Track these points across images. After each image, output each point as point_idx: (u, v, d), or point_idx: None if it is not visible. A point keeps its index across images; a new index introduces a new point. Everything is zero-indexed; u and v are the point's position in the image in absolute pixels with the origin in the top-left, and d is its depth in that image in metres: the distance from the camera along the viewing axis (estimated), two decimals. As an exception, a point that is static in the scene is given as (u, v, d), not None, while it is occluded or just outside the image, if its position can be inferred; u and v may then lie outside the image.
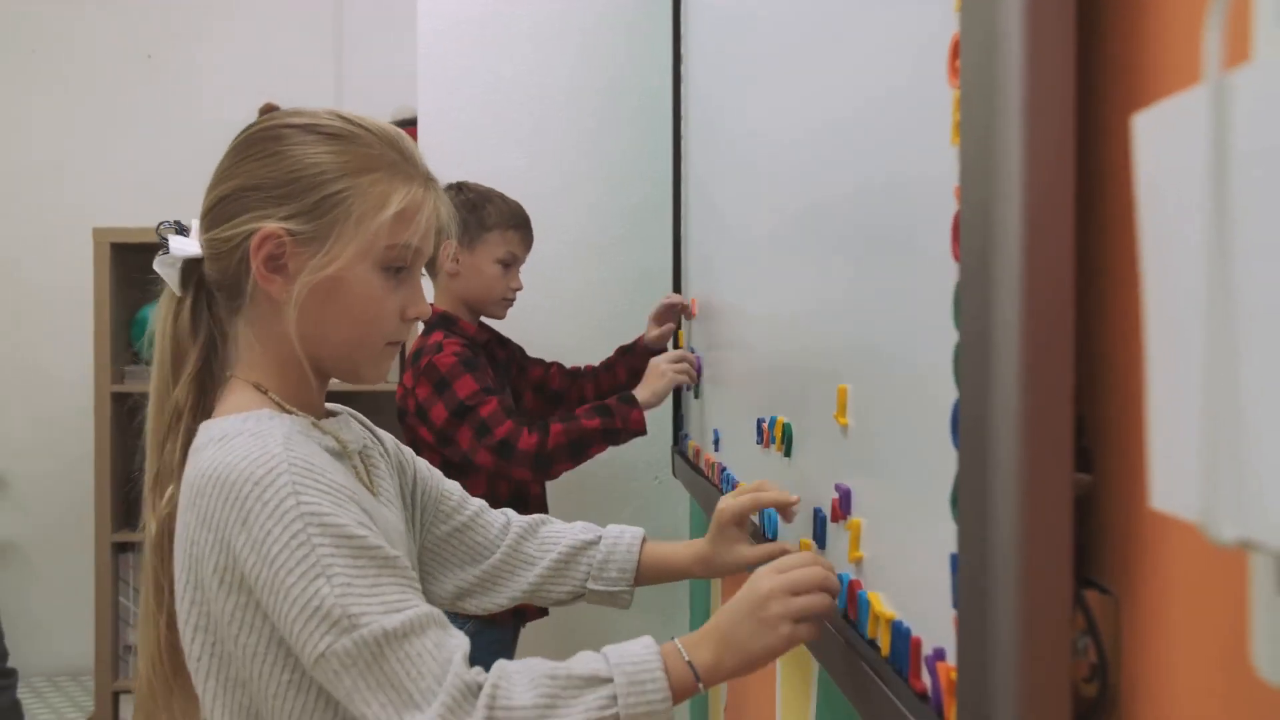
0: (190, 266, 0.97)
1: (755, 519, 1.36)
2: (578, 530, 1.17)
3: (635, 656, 0.85)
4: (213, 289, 0.97)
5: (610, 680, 0.83)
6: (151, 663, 0.95)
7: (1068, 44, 0.58)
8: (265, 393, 0.94)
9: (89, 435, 2.79)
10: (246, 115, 3.09)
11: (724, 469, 1.64)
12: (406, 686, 0.80)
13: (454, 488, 1.17)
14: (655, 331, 2.15)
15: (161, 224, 0.97)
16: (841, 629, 0.94)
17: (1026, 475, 0.58)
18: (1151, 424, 0.47)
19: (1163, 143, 0.44)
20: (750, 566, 1.09)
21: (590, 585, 1.14)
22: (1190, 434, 0.41)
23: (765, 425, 1.31)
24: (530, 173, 2.42)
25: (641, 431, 1.89)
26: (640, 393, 1.91)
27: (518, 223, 2.05)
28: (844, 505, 0.96)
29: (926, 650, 0.75)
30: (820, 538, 1.05)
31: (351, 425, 1.02)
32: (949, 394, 0.72)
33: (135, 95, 3.08)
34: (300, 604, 0.80)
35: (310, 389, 0.97)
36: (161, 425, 0.96)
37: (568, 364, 2.29)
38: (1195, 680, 0.53)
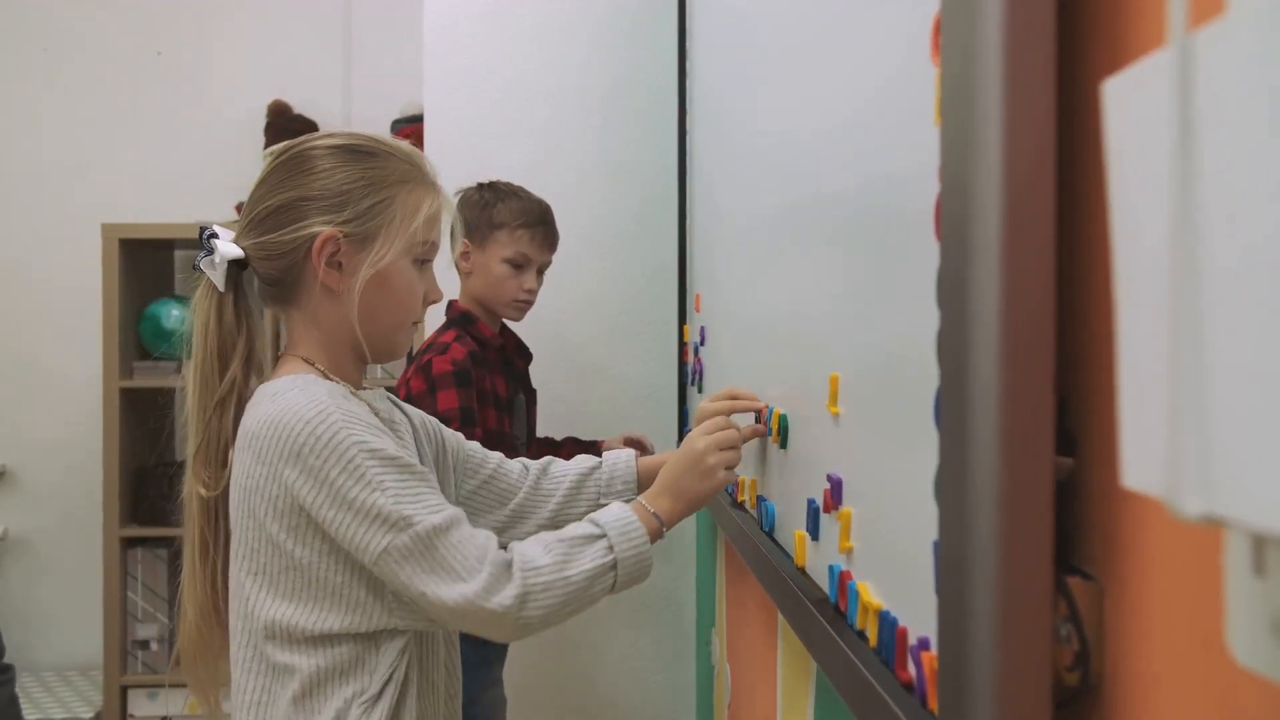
0: (232, 266, 1.11)
1: (754, 512, 1.36)
2: (581, 460, 1.37)
3: (616, 514, 1.11)
4: (263, 284, 1.13)
5: (604, 535, 1.08)
6: (201, 611, 1.12)
7: (1047, 15, 0.57)
8: (313, 364, 1.11)
9: (98, 431, 2.80)
10: (255, 112, 3.11)
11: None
12: (454, 567, 1.00)
13: (475, 447, 1.35)
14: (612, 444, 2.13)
15: (204, 231, 1.11)
16: (832, 620, 0.93)
17: (1005, 458, 0.57)
18: (1121, 399, 0.45)
19: (1130, 108, 0.43)
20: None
21: (602, 501, 1.32)
22: (1156, 408, 0.40)
23: (762, 418, 1.30)
24: (537, 170, 2.41)
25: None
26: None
27: (529, 221, 2.00)
28: (835, 495, 0.95)
29: (911, 640, 0.73)
30: (813, 529, 1.04)
31: (383, 399, 1.20)
32: (930, 379, 0.70)
33: (144, 92, 3.09)
34: (361, 513, 0.99)
35: (351, 366, 1.14)
36: (209, 403, 1.10)
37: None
38: (1177, 667, 0.52)
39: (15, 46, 3.08)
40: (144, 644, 2.81)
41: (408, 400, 1.88)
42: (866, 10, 0.89)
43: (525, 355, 2.13)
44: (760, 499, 1.32)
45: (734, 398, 1.32)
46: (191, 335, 1.11)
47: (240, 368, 1.11)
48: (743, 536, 1.37)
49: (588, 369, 2.44)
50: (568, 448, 2.19)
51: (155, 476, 2.80)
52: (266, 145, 2.92)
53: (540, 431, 2.24)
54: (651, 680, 2.48)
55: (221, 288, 1.11)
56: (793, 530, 1.14)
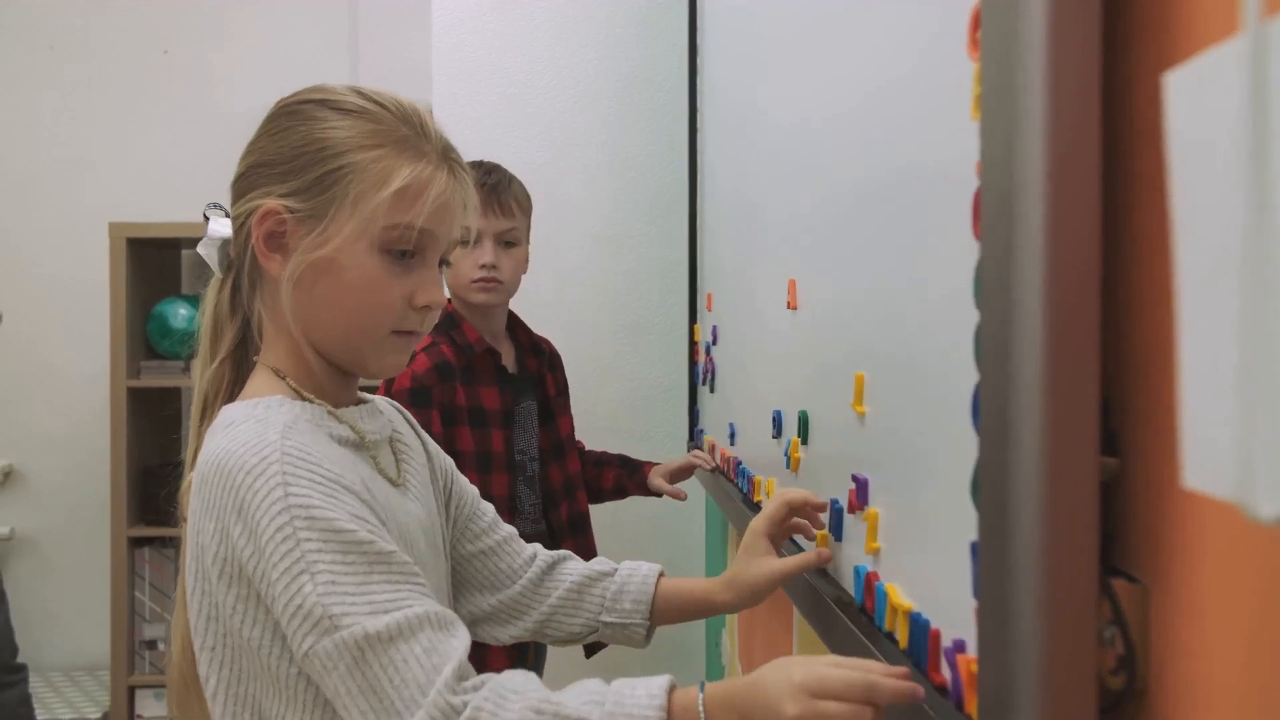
0: (224, 247, 0.95)
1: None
2: (594, 563, 1.12)
3: (637, 708, 0.76)
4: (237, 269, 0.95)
5: (602, 702, 0.76)
6: (183, 648, 0.92)
7: (1093, 9, 0.56)
8: (284, 379, 0.91)
9: (105, 430, 2.79)
10: (262, 110, 3.08)
11: (739, 463, 1.61)
12: (388, 693, 0.76)
13: (488, 509, 1.13)
14: (662, 483, 1.89)
15: (207, 206, 0.95)
16: (857, 620, 0.92)
17: (1050, 458, 0.56)
18: (1183, 398, 0.44)
19: (1196, 101, 0.42)
20: (782, 580, 1.06)
21: (603, 618, 1.08)
22: (1225, 407, 0.39)
23: (781, 418, 1.29)
24: (548, 167, 2.40)
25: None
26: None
27: None
28: (861, 496, 0.94)
29: (946, 642, 0.72)
30: (837, 530, 1.03)
31: (378, 415, 0.98)
32: (970, 378, 0.69)
33: (151, 90, 3.08)
34: (284, 600, 0.78)
35: (325, 375, 0.92)
36: (196, 411, 0.95)
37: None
38: (1227, 671, 0.51)
39: (21, 45, 3.07)
40: (151, 644, 2.81)
41: None
42: (885, 2, 0.88)
43: (539, 354, 1.86)
44: (778, 499, 1.31)
45: (790, 508, 1.09)
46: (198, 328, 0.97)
47: (220, 369, 0.95)
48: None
49: (598, 368, 2.43)
50: (611, 469, 1.96)
51: (162, 476, 2.80)
52: (273, 144, 2.91)
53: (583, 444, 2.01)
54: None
55: (218, 271, 0.95)
56: (814, 531, 1.13)
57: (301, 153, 0.88)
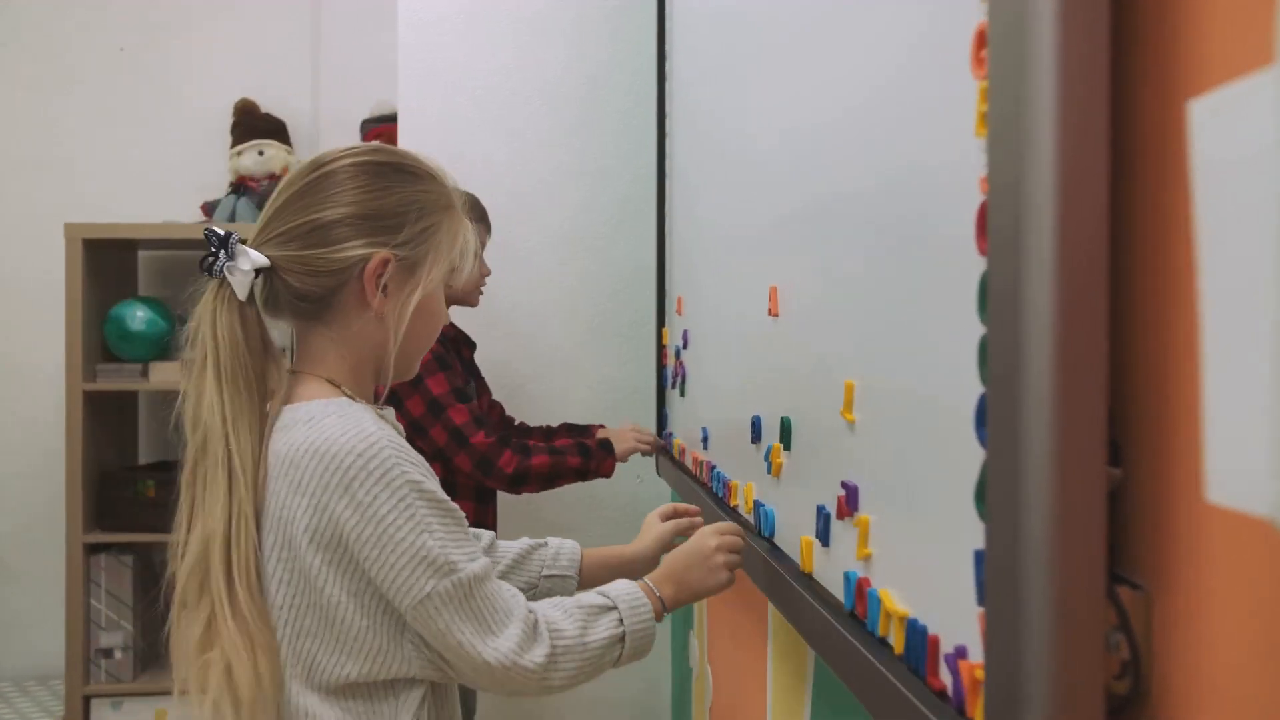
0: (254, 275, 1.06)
1: (750, 517, 1.36)
2: (524, 540, 1.38)
3: (626, 589, 1.14)
4: (292, 298, 1.06)
5: (615, 608, 1.10)
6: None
7: (1101, 32, 0.57)
8: (338, 386, 1.08)
9: (60, 434, 2.74)
10: (222, 111, 3.05)
11: (714, 467, 1.63)
12: (487, 619, 1.01)
13: None
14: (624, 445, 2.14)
15: (230, 235, 1.05)
16: (849, 627, 0.93)
17: (1059, 469, 0.58)
18: (1209, 415, 0.46)
19: (1225, 128, 0.43)
20: (676, 536, 1.41)
21: (545, 573, 1.35)
22: (1258, 425, 0.40)
23: (761, 423, 1.31)
24: (514, 169, 2.40)
25: (608, 476, 2.11)
26: (616, 447, 2.10)
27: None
28: (851, 502, 0.95)
29: (946, 648, 0.74)
30: (824, 535, 1.04)
31: (393, 419, 1.16)
32: (966, 387, 0.71)
33: (107, 89, 3.02)
34: (410, 554, 0.97)
35: (370, 386, 1.12)
36: (258, 420, 1.04)
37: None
38: (1230, 675, 0.53)
39: (-28, 41, 3.00)
40: (108, 653, 2.76)
41: (389, 400, 1.88)
42: (862, 3, 0.90)
43: (470, 344, 2.19)
44: (758, 504, 1.33)
45: (676, 514, 1.43)
46: (207, 344, 1.04)
47: (275, 385, 1.06)
48: (752, 556, 1.37)
49: (564, 370, 2.43)
50: (561, 435, 2.20)
51: (119, 481, 2.75)
52: (233, 145, 2.87)
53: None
54: (626, 681, 2.48)
55: (243, 296, 1.04)
56: (798, 536, 1.14)
57: (405, 209, 1.07)
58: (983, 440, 0.67)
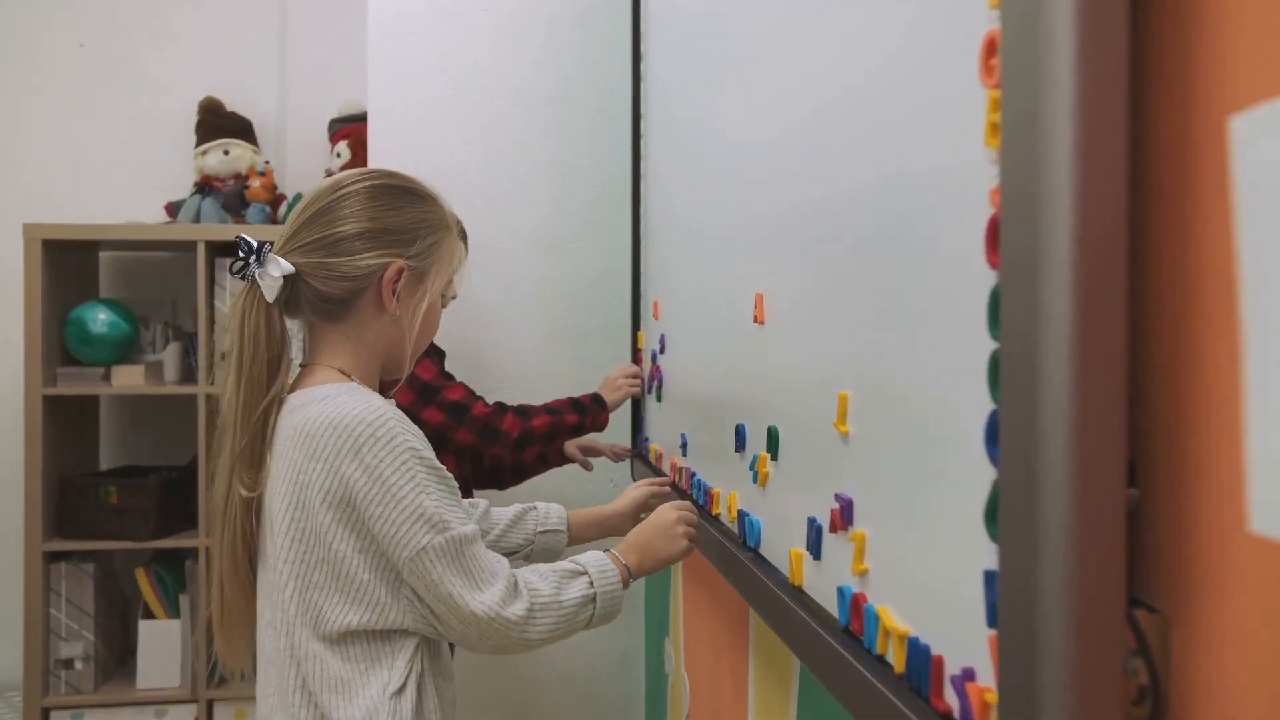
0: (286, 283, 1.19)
1: (734, 526, 1.34)
2: (515, 506, 1.53)
3: (595, 557, 1.26)
4: (316, 299, 1.20)
5: (586, 572, 1.22)
6: (244, 595, 1.21)
7: (1119, 44, 0.56)
8: (348, 376, 1.21)
9: (19, 440, 2.67)
10: (186, 109, 2.99)
11: (694, 474, 1.61)
12: (475, 575, 1.12)
13: None
14: (575, 451, 2.24)
15: (262, 244, 1.19)
16: (843, 642, 0.91)
17: (1079, 491, 0.56)
18: (1252, 442, 0.45)
19: (1273, 143, 0.42)
20: (646, 493, 1.59)
21: (539, 529, 1.51)
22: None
23: (745, 432, 1.29)
24: (487, 170, 2.37)
25: (602, 429, 2.14)
26: (607, 399, 2.13)
27: None
28: (845, 516, 0.94)
29: (953, 669, 0.72)
30: (815, 548, 1.02)
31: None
32: (972, 403, 0.69)
33: (68, 86, 2.95)
34: (409, 510, 1.09)
35: (375, 379, 1.25)
36: (255, 408, 1.17)
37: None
38: (1250, 700, 0.51)
39: (-75, 36, 2.92)
40: (68, 663, 2.69)
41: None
42: (847, 4, 0.88)
43: (440, 352, 2.22)
44: (742, 514, 1.31)
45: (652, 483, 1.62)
46: (235, 340, 1.18)
47: (284, 379, 1.20)
48: (721, 551, 1.36)
49: (534, 372, 2.40)
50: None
51: (80, 487, 2.68)
52: (198, 144, 2.82)
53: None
54: (600, 688, 2.46)
55: (272, 299, 1.18)
56: (786, 548, 1.12)
57: (416, 226, 1.23)
58: (993, 459, 0.66)
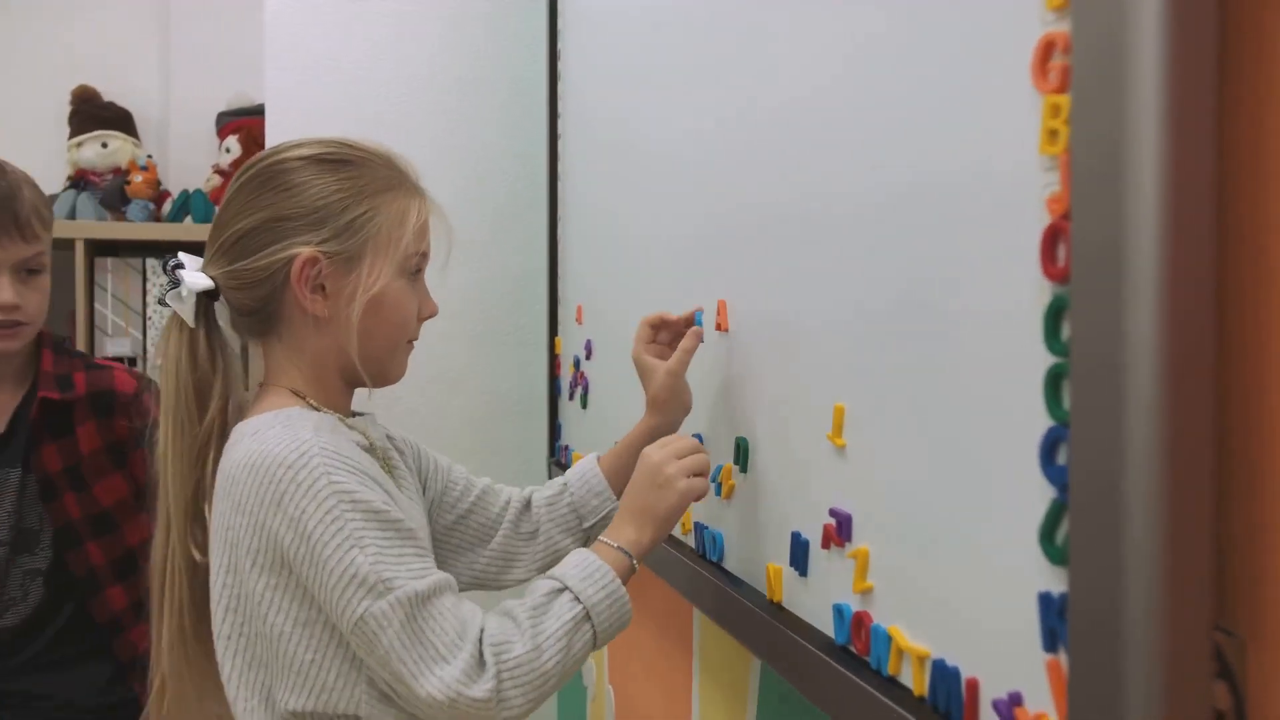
0: (201, 299, 1.04)
1: (688, 539, 1.31)
2: (548, 486, 1.26)
3: (574, 561, 1.00)
4: (237, 315, 1.05)
5: (565, 588, 0.97)
6: (170, 646, 1.03)
7: (1207, 49, 0.55)
8: (303, 397, 1.04)
9: None
10: (58, 99, 2.79)
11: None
12: (434, 642, 0.90)
13: (459, 475, 1.25)
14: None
15: (168, 261, 1.03)
16: (842, 661, 0.89)
17: (1168, 513, 0.54)
18: None
19: None
20: (678, 371, 1.19)
21: (585, 525, 1.23)
22: None
23: (703, 441, 1.25)
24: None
25: None
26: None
27: None
28: (843, 531, 0.91)
29: (995, 693, 0.70)
30: (801, 563, 0.99)
31: (376, 425, 1.13)
32: (1009, 418, 0.67)
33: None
34: (339, 572, 0.89)
35: (339, 393, 1.07)
36: (189, 453, 1.02)
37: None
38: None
39: None
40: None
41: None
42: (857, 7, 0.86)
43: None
44: (700, 525, 1.27)
45: (662, 322, 1.23)
46: (161, 375, 1.02)
47: (219, 409, 1.02)
48: (676, 564, 1.31)
49: (442, 379, 2.31)
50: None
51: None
52: (72, 135, 2.63)
53: None
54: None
55: (191, 323, 1.03)
56: (760, 562, 1.09)
57: (324, 204, 1.01)
58: (1052, 478, 0.63)
